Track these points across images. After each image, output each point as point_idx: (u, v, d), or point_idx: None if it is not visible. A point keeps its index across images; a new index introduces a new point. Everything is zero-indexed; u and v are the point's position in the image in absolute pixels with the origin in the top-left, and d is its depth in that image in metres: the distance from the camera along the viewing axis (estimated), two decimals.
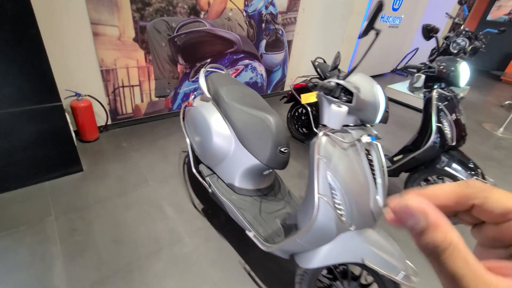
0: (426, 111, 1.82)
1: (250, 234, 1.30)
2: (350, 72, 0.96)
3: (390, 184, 2.20)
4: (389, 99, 1.92)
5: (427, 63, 1.85)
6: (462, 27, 3.93)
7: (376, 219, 1.02)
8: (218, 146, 1.47)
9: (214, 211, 1.79)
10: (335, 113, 0.92)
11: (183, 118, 1.88)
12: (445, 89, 1.78)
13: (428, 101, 1.80)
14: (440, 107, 1.71)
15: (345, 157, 0.98)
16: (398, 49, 5.88)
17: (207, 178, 1.56)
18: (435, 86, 1.79)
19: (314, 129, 2.33)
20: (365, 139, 0.98)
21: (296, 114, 2.75)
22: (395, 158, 1.99)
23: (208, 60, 2.84)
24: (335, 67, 1.37)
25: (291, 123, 2.80)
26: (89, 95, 2.25)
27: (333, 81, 0.96)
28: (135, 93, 2.52)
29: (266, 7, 3.01)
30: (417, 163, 1.81)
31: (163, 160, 2.21)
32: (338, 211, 0.97)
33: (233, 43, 2.93)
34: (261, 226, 1.34)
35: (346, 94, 0.97)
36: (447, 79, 1.74)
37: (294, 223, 1.28)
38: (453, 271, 0.15)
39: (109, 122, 2.49)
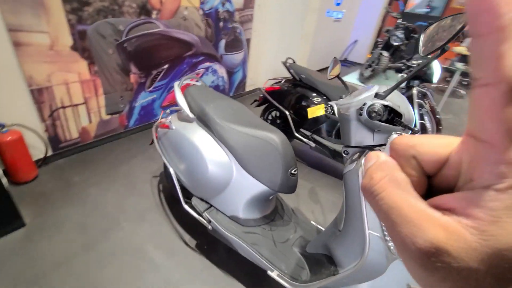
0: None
1: (273, 274, 1.13)
2: (392, 90, 0.85)
3: None
4: None
5: (407, 63, 1.90)
6: (399, 21, 4.30)
7: None
8: (215, 176, 1.25)
9: (211, 245, 1.56)
10: None
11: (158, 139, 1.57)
12: (421, 85, 1.86)
13: (408, 98, 1.86)
14: (420, 103, 1.78)
15: None
16: (341, 42, 6.22)
17: (205, 214, 1.32)
18: (412, 83, 1.85)
19: (295, 134, 2.24)
20: None
21: (270, 117, 2.62)
22: None
23: (165, 66, 2.48)
24: (337, 76, 1.27)
25: None
26: (17, 124, 1.73)
27: (379, 103, 0.84)
28: (80, 113, 2.04)
29: (223, 4, 2.77)
30: None
31: (133, 192, 1.85)
32: (388, 243, 0.87)
33: (191, 45, 2.63)
34: (282, 261, 1.19)
35: (383, 114, 0.87)
36: (422, 77, 1.82)
37: (322, 253, 1.16)
38: (390, 205, 0.15)
39: (50, 153, 1.98)
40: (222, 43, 2.98)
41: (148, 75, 2.38)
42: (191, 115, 1.35)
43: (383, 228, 0.86)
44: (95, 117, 2.15)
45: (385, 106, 0.83)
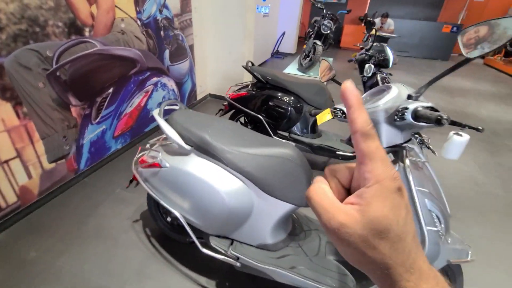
0: None
1: None
2: (425, 90, 0.87)
3: None
4: None
5: (365, 54, 2.03)
6: (324, 11, 4.63)
7: (451, 217, 1.04)
8: (236, 208, 1.12)
9: (232, 279, 1.42)
10: (459, 144, 0.82)
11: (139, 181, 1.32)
12: (381, 72, 2.02)
13: (372, 86, 2.01)
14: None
15: (427, 175, 0.93)
16: (271, 35, 6.40)
17: (230, 251, 1.18)
18: (373, 70, 2.00)
19: (274, 137, 2.20)
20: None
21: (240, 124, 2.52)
22: None
23: (110, 90, 2.12)
24: (331, 78, 1.27)
25: None
26: None
27: (420, 105, 0.84)
28: (14, 170, 1.58)
29: (160, 11, 2.49)
30: None
31: (116, 248, 1.54)
32: (440, 232, 0.92)
33: (135, 62, 2.30)
34: (325, 275, 1.15)
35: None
36: (381, 63, 1.98)
37: None
38: (318, 204, 0.24)
39: None
40: (166, 53, 2.71)
41: (92, 104, 1.99)
42: (187, 147, 1.17)
43: (435, 221, 0.90)
44: (35, 169, 1.70)
45: (429, 107, 0.85)
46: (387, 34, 6.27)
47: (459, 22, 8.58)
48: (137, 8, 2.21)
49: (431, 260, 0.95)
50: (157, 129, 2.83)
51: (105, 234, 1.62)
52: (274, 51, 6.84)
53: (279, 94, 2.17)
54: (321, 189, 0.25)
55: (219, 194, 1.10)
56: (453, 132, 0.85)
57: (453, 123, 0.80)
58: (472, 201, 2.14)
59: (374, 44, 2.07)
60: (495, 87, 5.53)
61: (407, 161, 0.90)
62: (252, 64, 2.37)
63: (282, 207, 1.15)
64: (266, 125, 2.18)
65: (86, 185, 2.02)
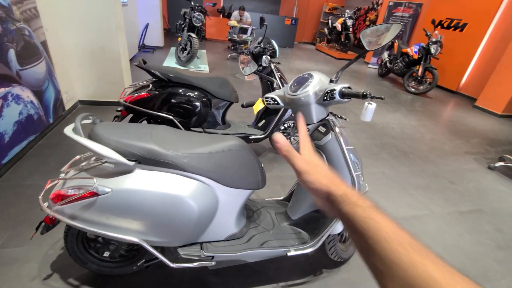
0: (266, 81, 2.32)
1: (292, 252, 1.28)
2: (340, 74, 1.13)
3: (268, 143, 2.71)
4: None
5: (258, 46, 2.24)
6: (192, 3, 4.63)
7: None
8: (203, 210, 1.10)
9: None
10: (372, 110, 1.10)
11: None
12: (273, 62, 2.33)
13: (269, 74, 2.29)
14: (279, 75, 2.27)
15: (345, 134, 1.24)
16: (134, 27, 5.77)
17: (203, 254, 1.16)
18: (267, 61, 2.28)
19: None
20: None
21: None
22: (260, 124, 2.44)
23: None
24: (253, 72, 1.41)
25: None
26: None
27: (342, 86, 1.08)
28: None
29: None
30: (279, 120, 2.37)
31: None
32: (359, 174, 1.27)
33: None
34: (288, 239, 1.34)
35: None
36: (271, 54, 2.27)
37: (310, 212, 1.41)
38: (289, 154, 0.44)
39: None
40: (11, 54, 2.01)
41: None
42: (130, 163, 1.02)
43: (356, 167, 1.24)
44: None
45: (348, 87, 1.12)
46: (247, 26, 7.01)
47: (294, 16, 10.61)
48: None
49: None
50: (21, 157, 2.12)
51: None
52: (140, 45, 6.23)
53: (185, 91, 2.11)
54: (289, 146, 0.43)
55: (185, 201, 1.05)
56: (366, 102, 1.18)
57: (365, 96, 1.13)
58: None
59: (262, 38, 2.35)
60: (327, 66, 7.37)
61: (337, 129, 1.18)
62: (145, 62, 2.16)
63: (242, 195, 1.23)
64: (178, 124, 2.09)
65: None
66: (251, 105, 1.40)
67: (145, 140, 1.04)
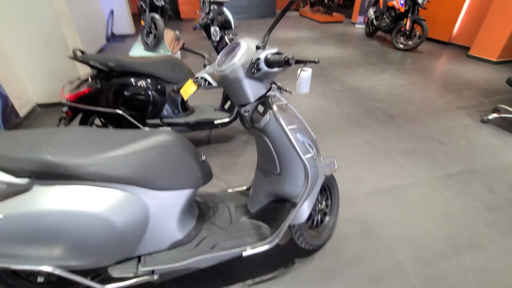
0: None
1: (248, 252, 1.14)
2: (267, 39, 0.90)
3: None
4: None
5: (207, 18, 1.97)
6: None
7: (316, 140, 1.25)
8: (127, 224, 0.93)
9: None
10: (306, 78, 0.89)
11: None
12: (227, 34, 2.06)
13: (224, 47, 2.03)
14: None
15: (292, 113, 1.04)
16: (97, 16, 5.35)
17: (141, 270, 1.02)
18: (221, 33, 2.02)
19: (143, 128, 1.95)
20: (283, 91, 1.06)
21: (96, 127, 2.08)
22: (227, 106, 2.22)
23: None
24: (182, 47, 1.18)
25: None
26: None
27: (269, 53, 0.87)
28: None
29: None
30: None
31: None
32: (314, 156, 1.09)
33: None
34: (244, 237, 1.19)
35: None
36: (225, 25, 2.00)
37: (268, 203, 1.26)
38: None
39: None
40: None
41: None
42: (22, 181, 0.83)
43: (308, 148, 1.06)
44: None
45: (277, 53, 0.90)
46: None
47: None
48: None
49: (315, 180, 1.14)
50: None
51: None
52: (109, 35, 5.83)
53: (133, 80, 1.88)
54: None
55: (99, 218, 0.88)
56: (299, 69, 0.97)
57: (297, 62, 0.91)
58: (324, 124, 2.71)
59: (212, 7, 2.06)
60: (312, 33, 6.92)
61: (275, 107, 0.98)
62: (83, 53, 1.91)
63: (180, 197, 1.06)
64: (130, 118, 1.89)
65: None
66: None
67: (39, 150, 0.85)
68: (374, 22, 6.05)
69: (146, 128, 1.96)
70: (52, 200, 0.86)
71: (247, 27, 7.39)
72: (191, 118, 2.11)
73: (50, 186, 0.87)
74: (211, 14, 2.00)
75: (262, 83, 0.99)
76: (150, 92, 1.93)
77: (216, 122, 2.12)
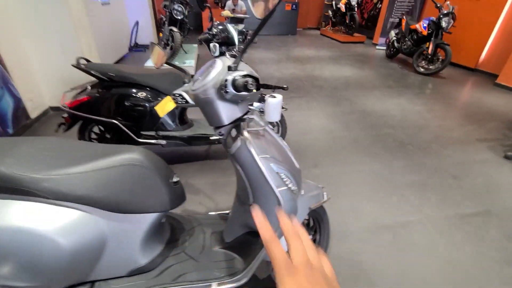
0: None
1: (214, 287, 1.03)
2: (240, 60, 0.84)
3: None
4: None
5: (208, 33, 1.97)
6: None
7: (301, 171, 1.15)
8: (79, 246, 0.87)
9: None
10: (274, 105, 0.82)
11: None
12: (230, 50, 2.04)
13: None
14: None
15: (268, 140, 0.95)
16: (122, 27, 5.63)
17: None
18: (222, 50, 1.99)
19: (139, 140, 1.93)
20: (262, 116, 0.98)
21: (95, 136, 2.09)
22: None
23: None
24: (165, 62, 1.15)
25: None
26: None
27: (238, 75, 0.81)
28: None
29: None
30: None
31: None
32: (292, 188, 0.98)
33: None
34: (213, 269, 1.09)
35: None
36: (227, 42, 1.97)
37: (242, 234, 1.15)
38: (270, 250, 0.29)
39: None
40: None
41: None
42: None
43: (284, 180, 0.96)
44: None
45: (245, 76, 0.83)
46: (241, 15, 6.65)
47: (296, 1, 10.04)
48: None
49: (294, 213, 1.03)
50: None
51: None
52: (132, 44, 6.10)
53: (131, 91, 1.89)
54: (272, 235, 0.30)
55: (46, 238, 0.82)
56: (267, 95, 0.88)
57: (266, 87, 0.83)
58: (329, 147, 2.58)
59: (216, 23, 2.04)
60: (330, 52, 6.86)
61: (245, 133, 0.90)
62: (88, 61, 1.95)
63: (143, 221, 0.98)
64: (125, 129, 1.88)
65: None
66: None
67: None
68: (395, 44, 5.90)
69: (140, 140, 1.94)
70: (6, 215, 0.81)
71: (265, 44, 7.48)
72: (188, 133, 2.07)
73: (1, 200, 0.83)
74: (214, 30, 1.98)
75: (238, 106, 0.92)
76: (147, 104, 1.92)
77: (212, 138, 2.06)
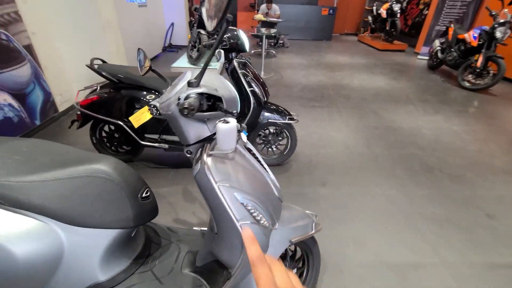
0: (233, 80, 1.97)
1: None
2: (202, 74, 0.75)
3: None
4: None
5: (214, 39, 1.91)
6: None
7: (281, 200, 1.03)
8: (32, 257, 0.84)
9: None
10: (226, 132, 0.72)
11: None
12: (238, 56, 1.96)
13: (232, 71, 1.93)
14: (244, 73, 1.89)
15: (238, 166, 0.85)
16: (157, 28, 5.88)
17: None
18: (231, 56, 1.92)
19: (142, 142, 1.94)
20: (243, 137, 0.88)
21: (105, 134, 2.15)
22: None
23: None
24: (149, 69, 1.10)
25: (104, 146, 2.18)
26: None
27: (192, 92, 0.73)
28: None
29: None
30: (251, 126, 2.01)
31: None
32: (261, 222, 0.87)
33: None
34: None
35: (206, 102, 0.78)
36: (236, 48, 1.90)
37: (213, 260, 1.06)
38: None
39: None
40: None
41: None
42: None
43: (250, 212, 0.84)
44: None
45: (201, 94, 0.74)
46: (275, 19, 6.57)
47: (334, 5, 9.70)
48: None
49: (263, 251, 0.91)
50: None
51: None
52: (166, 45, 6.35)
53: (137, 92, 1.90)
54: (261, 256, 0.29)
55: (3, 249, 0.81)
56: (219, 120, 0.77)
57: (212, 110, 0.73)
58: (344, 164, 2.38)
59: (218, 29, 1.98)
60: (365, 59, 6.48)
61: (205, 157, 0.80)
62: (103, 62, 2.01)
63: (104, 236, 0.94)
64: (129, 130, 1.89)
65: None
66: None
67: None
68: (439, 54, 5.38)
69: (144, 142, 1.94)
70: None
71: (297, 48, 7.31)
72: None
73: None
74: (228, 36, 1.92)
75: (207, 124, 0.83)
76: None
77: None
